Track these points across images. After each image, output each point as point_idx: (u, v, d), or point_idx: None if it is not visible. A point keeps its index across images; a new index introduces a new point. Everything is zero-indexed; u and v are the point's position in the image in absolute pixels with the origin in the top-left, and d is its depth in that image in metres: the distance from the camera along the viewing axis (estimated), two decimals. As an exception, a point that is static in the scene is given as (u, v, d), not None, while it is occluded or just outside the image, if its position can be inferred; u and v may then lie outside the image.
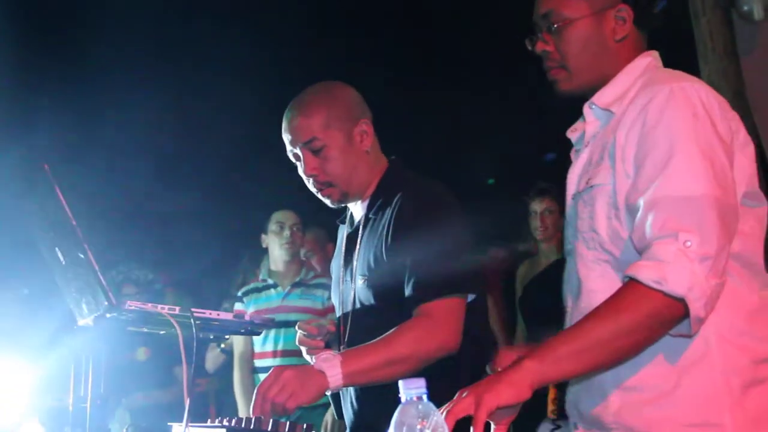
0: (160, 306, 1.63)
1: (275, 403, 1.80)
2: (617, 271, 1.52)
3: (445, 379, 1.67)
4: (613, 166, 1.52)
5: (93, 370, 1.62)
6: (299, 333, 2.09)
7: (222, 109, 5.91)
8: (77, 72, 5.68)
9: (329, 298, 3.98)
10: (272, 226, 4.14)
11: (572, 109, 1.75)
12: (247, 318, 1.72)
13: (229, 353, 4.23)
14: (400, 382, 1.24)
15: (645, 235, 1.42)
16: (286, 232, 4.10)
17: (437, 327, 1.91)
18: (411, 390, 1.23)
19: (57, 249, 1.69)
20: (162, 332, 1.72)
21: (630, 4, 1.64)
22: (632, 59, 1.65)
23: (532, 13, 1.72)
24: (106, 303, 1.57)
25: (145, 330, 1.73)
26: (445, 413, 1.32)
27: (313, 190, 2.13)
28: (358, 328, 2.07)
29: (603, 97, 1.63)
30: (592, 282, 1.57)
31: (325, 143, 2.06)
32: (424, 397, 1.23)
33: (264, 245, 4.21)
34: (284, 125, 2.12)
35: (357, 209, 2.18)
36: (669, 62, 1.68)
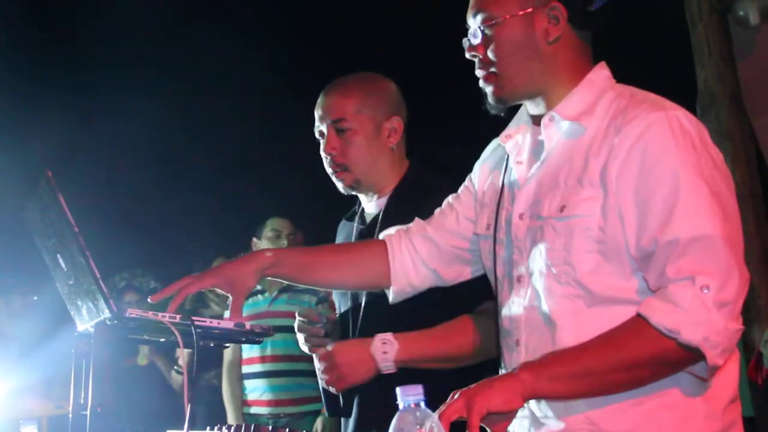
0: (160, 314, 1.63)
1: (326, 382, 1.90)
2: (590, 308, 1.44)
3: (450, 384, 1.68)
4: (599, 197, 1.43)
5: (93, 377, 1.62)
6: (298, 320, 2.09)
7: (224, 111, 5.91)
8: (77, 77, 5.68)
9: (317, 303, 3.98)
10: (268, 233, 4.13)
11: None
12: (248, 327, 1.72)
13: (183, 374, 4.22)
14: (398, 389, 1.25)
15: (661, 277, 1.37)
16: (283, 241, 4.09)
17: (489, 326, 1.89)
18: (409, 397, 1.24)
19: (58, 255, 1.70)
20: (162, 340, 1.72)
21: (563, 2, 1.52)
22: (573, 65, 1.55)
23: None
24: (107, 310, 1.58)
25: (146, 337, 1.74)
26: (438, 416, 1.31)
27: (328, 170, 2.14)
28: (371, 320, 2.06)
29: (566, 109, 1.52)
30: (563, 319, 1.47)
31: (352, 127, 2.08)
32: (422, 403, 1.24)
33: (254, 249, 4.19)
34: (319, 100, 2.14)
35: (371, 205, 2.18)
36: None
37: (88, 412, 1.60)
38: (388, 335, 1.91)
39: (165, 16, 5.62)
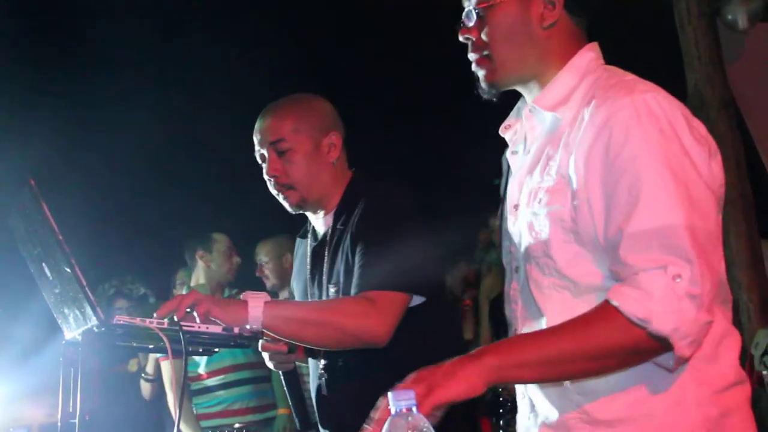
0: (148, 320, 1.62)
1: (190, 308, 1.81)
2: (578, 297, 1.43)
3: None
4: (570, 188, 1.42)
5: (81, 384, 1.61)
6: (262, 339, 2.08)
7: (214, 119, 5.90)
8: (67, 84, 5.66)
9: None
10: (221, 247, 4.12)
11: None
12: (236, 331, 1.71)
13: (156, 380, 4.20)
14: (390, 394, 1.23)
15: (628, 267, 1.33)
16: (237, 259, 4.13)
17: (372, 310, 1.92)
18: (400, 402, 1.23)
19: (44, 264, 1.69)
20: (151, 346, 1.71)
21: None
22: (566, 51, 1.52)
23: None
24: (94, 318, 1.57)
25: (134, 344, 1.73)
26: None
27: (273, 191, 2.16)
28: None
29: (545, 99, 1.51)
30: (550, 310, 1.47)
31: (292, 147, 2.11)
32: (414, 408, 1.22)
33: (201, 260, 4.14)
34: (257, 125, 2.17)
35: (319, 222, 2.21)
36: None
37: (76, 420, 1.58)
38: (263, 294, 1.93)
39: (158, 22, 5.61)
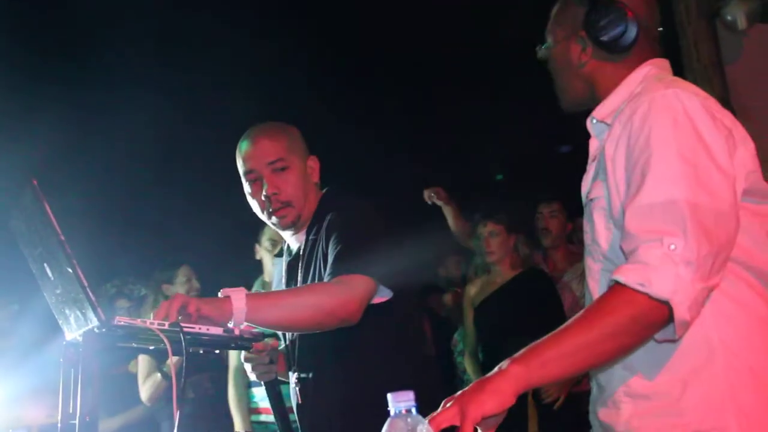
0: (149, 321, 1.63)
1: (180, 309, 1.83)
2: None
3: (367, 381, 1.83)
4: (605, 179, 1.56)
5: (82, 385, 1.61)
6: (244, 352, 2.17)
7: (221, 119, 5.89)
8: (70, 82, 5.65)
9: None
10: (265, 243, 4.09)
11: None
12: (236, 333, 1.72)
13: (171, 378, 4.10)
14: (389, 396, 1.24)
15: (631, 240, 1.43)
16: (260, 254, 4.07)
17: (343, 288, 1.99)
18: (400, 403, 1.23)
19: (45, 264, 1.69)
20: (151, 347, 1.71)
21: (586, 32, 1.69)
22: (618, 76, 1.68)
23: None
24: (95, 319, 1.57)
25: (135, 345, 1.73)
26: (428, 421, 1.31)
27: (268, 210, 2.21)
28: (306, 348, 2.18)
29: (602, 110, 1.68)
30: (597, 293, 1.60)
31: (289, 165, 2.21)
32: (413, 410, 1.23)
33: (258, 257, 4.15)
34: (247, 148, 2.22)
35: (293, 240, 2.30)
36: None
37: (77, 421, 1.58)
38: (241, 288, 1.96)
39: (160, 19, 5.60)
